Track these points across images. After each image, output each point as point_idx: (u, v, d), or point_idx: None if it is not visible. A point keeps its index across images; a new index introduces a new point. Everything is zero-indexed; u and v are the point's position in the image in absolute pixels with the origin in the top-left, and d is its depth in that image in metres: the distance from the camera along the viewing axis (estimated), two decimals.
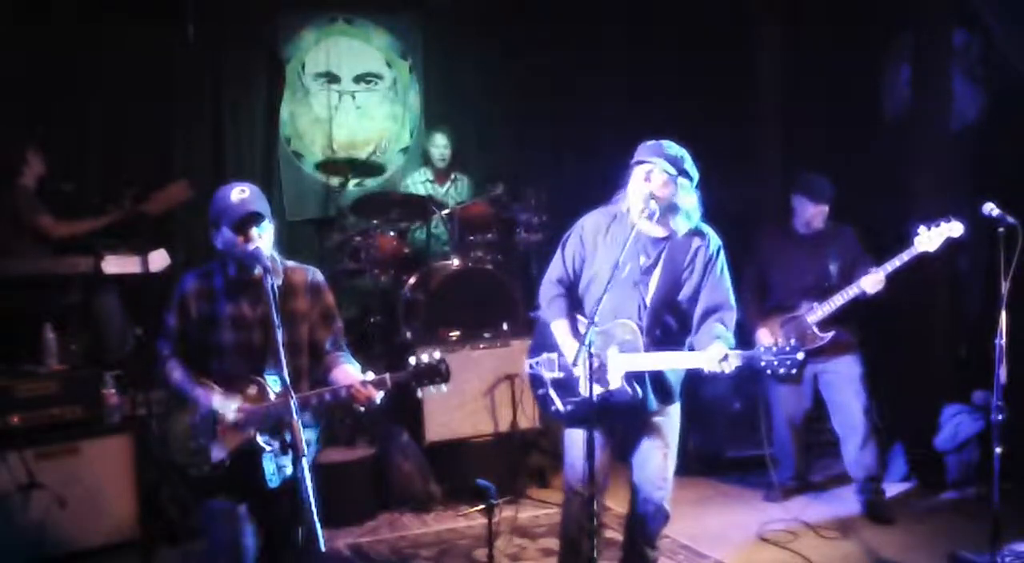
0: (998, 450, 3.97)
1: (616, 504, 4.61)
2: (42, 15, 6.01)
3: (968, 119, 6.05)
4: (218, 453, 3.31)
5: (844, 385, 5.18)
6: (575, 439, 3.74)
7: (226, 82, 6.70)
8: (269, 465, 3.30)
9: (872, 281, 4.79)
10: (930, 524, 5.09)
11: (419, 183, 6.92)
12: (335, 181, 6.98)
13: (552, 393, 3.75)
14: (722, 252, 3.70)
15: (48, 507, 4.48)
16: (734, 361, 3.41)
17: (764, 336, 5.08)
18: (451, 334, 5.65)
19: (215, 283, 3.40)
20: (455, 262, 5.93)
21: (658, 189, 3.56)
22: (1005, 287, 3.94)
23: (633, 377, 3.58)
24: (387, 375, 3.27)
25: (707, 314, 3.63)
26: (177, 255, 5.62)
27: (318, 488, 2.86)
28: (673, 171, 3.56)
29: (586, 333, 3.38)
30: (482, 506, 3.61)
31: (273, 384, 3.30)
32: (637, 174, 3.61)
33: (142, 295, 5.34)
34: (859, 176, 6.02)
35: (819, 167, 5.31)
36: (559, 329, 3.73)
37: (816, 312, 5.04)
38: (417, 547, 4.85)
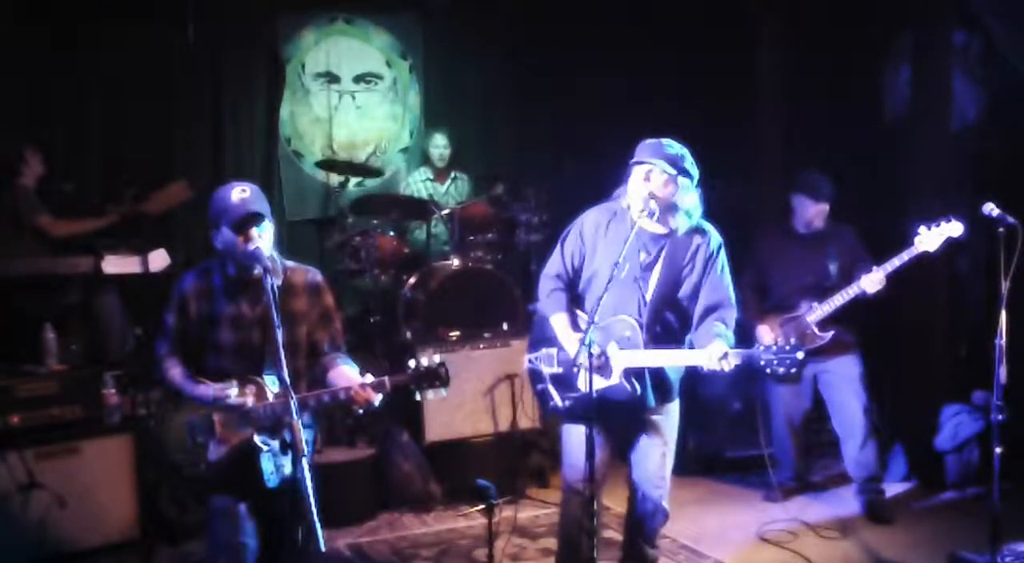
0: (998, 450, 3.96)
1: (615, 503, 4.61)
2: (42, 15, 6.00)
3: (968, 119, 6.04)
4: (215, 452, 3.31)
5: (844, 385, 5.18)
6: (574, 437, 3.74)
7: (226, 82, 6.69)
8: (267, 465, 3.30)
9: (872, 281, 4.79)
10: (930, 524, 5.09)
11: (419, 181, 6.93)
12: (335, 181, 6.99)
13: (551, 388, 3.75)
14: (723, 250, 3.71)
15: (48, 507, 4.48)
16: (733, 359, 3.41)
17: (764, 333, 5.08)
18: (451, 334, 5.65)
19: (214, 282, 3.40)
20: (455, 262, 5.93)
21: (658, 189, 3.56)
22: (1005, 287, 3.94)
23: (632, 374, 3.58)
24: (386, 378, 3.26)
25: (707, 312, 3.63)
26: (177, 255, 5.62)
27: (318, 488, 2.86)
28: (673, 171, 3.56)
29: (586, 330, 3.38)
30: (482, 506, 3.61)
31: (272, 384, 3.30)
32: (637, 173, 3.61)
33: (142, 295, 5.34)
34: (859, 176, 6.02)
35: (819, 167, 5.31)
36: (558, 323, 3.73)
37: (816, 312, 5.04)
38: (417, 547, 4.85)
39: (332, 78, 7.25)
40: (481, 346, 5.59)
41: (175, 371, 3.41)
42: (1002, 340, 3.95)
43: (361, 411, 3.31)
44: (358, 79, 7.35)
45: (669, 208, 3.59)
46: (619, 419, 3.71)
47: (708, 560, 4.68)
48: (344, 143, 7.30)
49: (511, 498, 5.31)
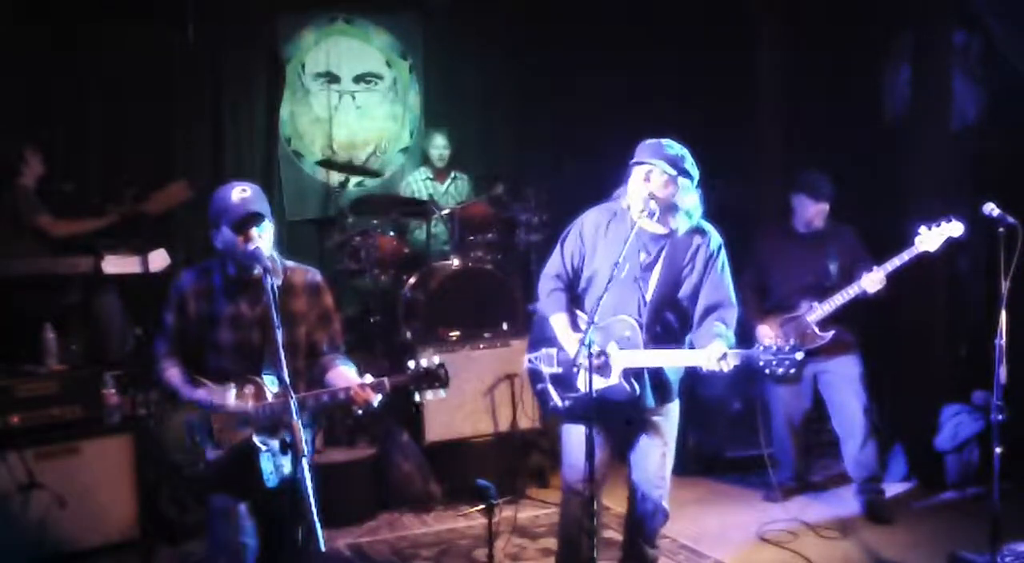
0: (998, 450, 3.96)
1: (615, 503, 4.61)
2: (42, 15, 6.00)
3: (968, 119, 6.04)
4: (213, 452, 3.31)
5: (844, 385, 5.18)
6: (574, 438, 3.74)
7: (226, 82, 6.69)
8: (267, 464, 3.30)
9: (872, 280, 4.79)
10: (930, 524, 5.09)
11: (419, 180, 6.93)
12: (335, 181, 6.99)
13: (550, 388, 3.75)
14: (723, 250, 3.70)
15: (48, 507, 4.48)
16: (732, 360, 3.41)
17: (765, 332, 5.08)
18: (451, 334, 5.65)
19: (214, 282, 3.40)
20: (455, 262, 5.93)
21: (658, 189, 3.56)
22: (1005, 287, 3.94)
23: (631, 374, 3.58)
24: (386, 379, 3.26)
25: (708, 312, 3.63)
26: (177, 255, 5.62)
27: (318, 488, 2.86)
28: (673, 172, 3.56)
29: (586, 330, 3.38)
30: (482, 506, 3.61)
31: (271, 384, 3.30)
32: (637, 174, 3.61)
33: (142, 295, 5.34)
34: (859, 176, 6.02)
35: (819, 167, 5.31)
36: (558, 323, 3.73)
37: (816, 311, 5.04)
38: (417, 547, 4.85)
39: (332, 78, 7.25)
40: (481, 346, 5.59)
41: (173, 372, 3.41)
42: (1002, 340, 3.95)
43: (360, 412, 3.31)
44: (358, 79, 7.34)
45: (669, 208, 3.59)
46: (618, 419, 3.71)
47: (708, 560, 4.68)
48: (344, 143, 7.30)
49: (511, 498, 5.31)
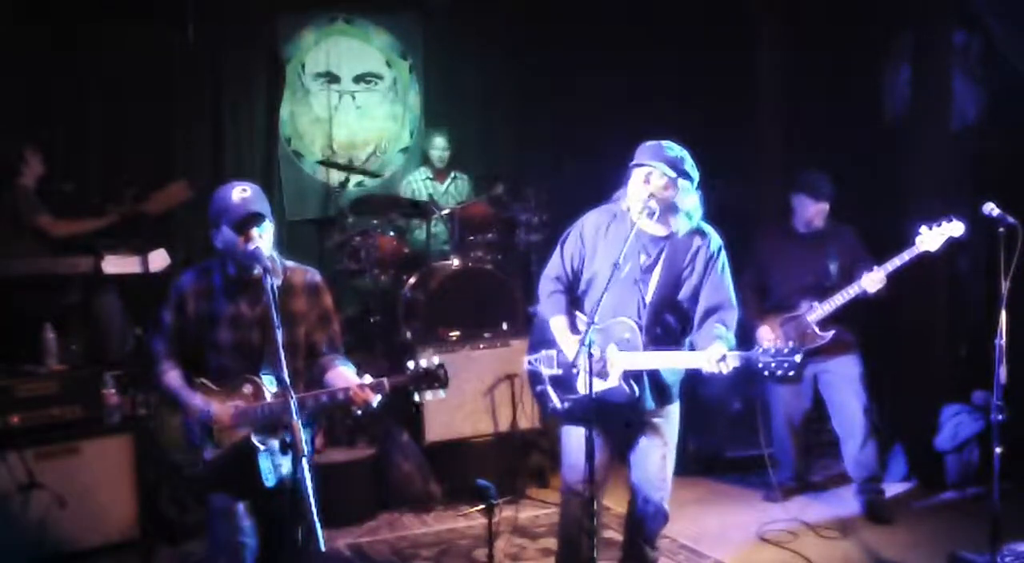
0: (998, 450, 3.96)
1: (615, 504, 4.61)
2: (42, 15, 6.00)
3: (968, 119, 6.04)
4: (211, 451, 3.31)
5: (844, 385, 5.18)
6: (573, 440, 3.74)
7: (226, 82, 6.69)
8: (265, 464, 3.30)
9: (873, 280, 4.79)
10: (930, 524, 5.09)
11: (419, 180, 6.93)
12: (335, 181, 6.99)
13: (550, 390, 3.75)
14: (723, 251, 3.70)
15: (48, 507, 4.48)
16: (732, 362, 3.40)
17: (765, 333, 5.08)
18: (451, 334, 5.65)
19: (214, 282, 3.40)
20: (455, 262, 5.93)
21: (658, 191, 3.56)
22: (1005, 287, 3.94)
23: (631, 376, 3.58)
24: (385, 379, 3.26)
25: (708, 313, 3.62)
26: (177, 255, 5.62)
27: (318, 488, 2.86)
28: (673, 173, 3.56)
29: (586, 332, 3.38)
30: (482, 506, 3.61)
31: (269, 384, 3.30)
32: (637, 176, 3.61)
33: (142, 295, 5.34)
34: (859, 176, 6.02)
35: (819, 167, 5.31)
36: (557, 325, 3.73)
37: (816, 311, 5.04)
38: (417, 547, 4.85)
39: (332, 78, 7.25)
40: (481, 346, 5.58)
41: (172, 374, 3.40)
42: (1002, 340, 3.95)
43: (360, 412, 3.31)
44: (358, 79, 7.35)
45: (669, 209, 3.59)
46: (618, 421, 3.71)
47: (708, 560, 4.68)
48: (344, 143, 7.30)
49: (511, 498, 5.32)
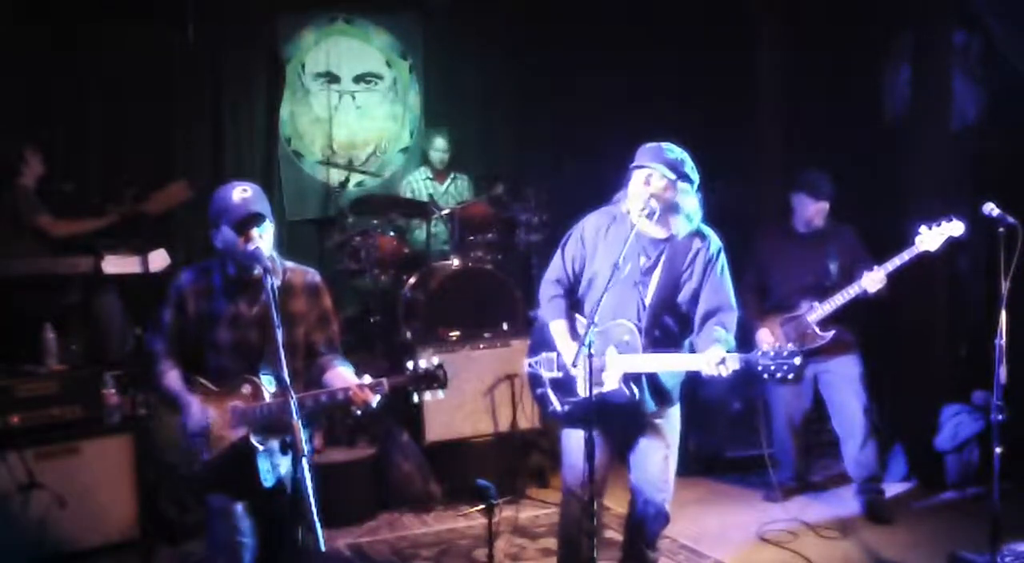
0: (998, 450, 3.96)
1: (616, 504, 4.62)
2: (42, 15, 6.00)
3: (968, 119, 6.04)
4: (209, 452, 3.31)
5: (844, 385, 5.18)
6: (573, 441, 3.74)
7: (226, 82, 6.68)
8: (263, 464, 3.30)
9: (873, 280, 4.79)
10: (930, 524, 5.09)
11: (419, 180, 6.93)
12: (335, 181, 6.99)
13: (550, 393, 3.76)
14: (722, 253, 3.69)
15: (48, 507, 4.48)
16: (732, 364, 3.39)
17: (765, 336, 5.08)
18: (451, 334, 5.65)
19: (214, 282, 3.40)
20: (455, 262, 5.93)
21: (658, 193, 3.56)
22: (1005, 287, 3.94)
23: (630, 378, 3.58)
24: (384, 380, 3.26)
25: (708, 316, 3.62)
26: (177, 255, 5.63)
27: (317, 488, 2.86)
28: (672, 175, 3.56)
29: (586, 333, 3.38)
30: (482, 506, 3.61)
31: (268, 384, 3.30)
32: (637, 177, 3.61)
33: (142, 295, 5.34)
34: (859, 176, 6.02)
35: (819, 167, 5.31)
36: (557, 329, 3.73)
37: (816, 311, 5.04)
38: (417, 547, 4.85)
39: (332, 78, 7.25)
40: (481, 346, 5.59)
41: (172, 375, 3.40)
42: (1002, 340, 3.95)
43: (359, 412, 3.31)
44: (358, 79, 7.34)
45: (669, 209, 3.59)
46: (619, 423, 3.70)
47: (708, 560, 4.68)
48: (344, 143, 7.30)
49: (511, 498, 5.32)
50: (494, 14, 7.40)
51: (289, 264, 3.49)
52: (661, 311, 3.64)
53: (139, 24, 6.23)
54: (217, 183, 3.50)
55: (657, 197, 3.55)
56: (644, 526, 3.84)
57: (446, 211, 6.27)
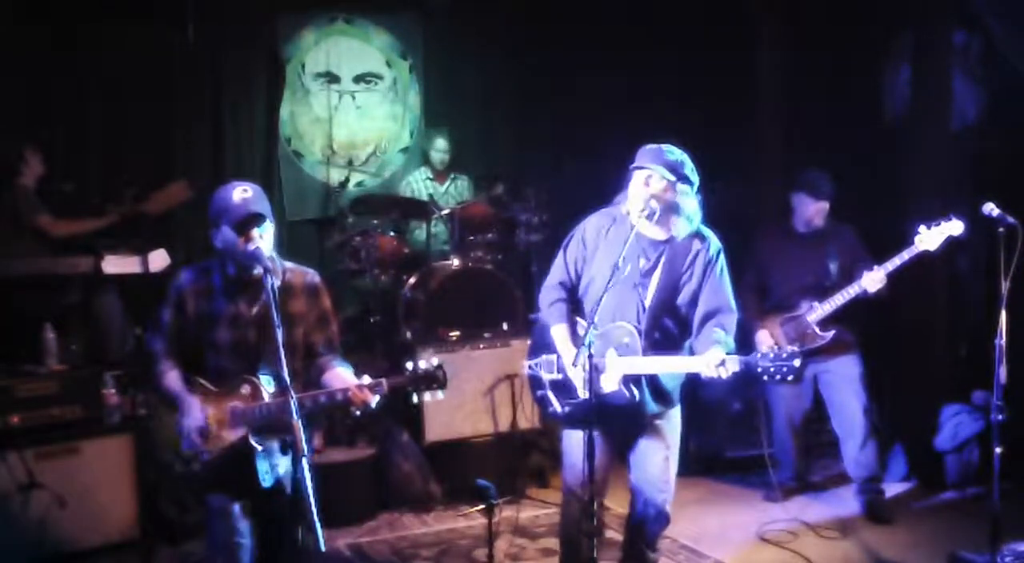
0: (998, 450, 3.96)
1: (616, 504, 4.61)
2: (42, 15, 6.00)
3: (968, 119, 6.04)
4: (208, 452, 3.31)
5: (844, 385, 5.18)
6: (574, 441, 3.74)
7: (226, 82, 6.68)
8: (262, 465, 3.30)
9: (873, 279, 4.79)
10: (930, 524, 5.09)
11: (419, 180, 6.93)
12: (335, 181, 6.99)
13: (550, 394, 3.75)
14: (722, 255, 3.69)
15: (48, 507, 4.48)
16: (731, 366, 3.39)
17: (764, 338, 5.08)
18: (451, 334, 5.65)
19: (214, 282, 3.40)
20: (455, 262, 5.93)
21: (657, 194, 3.56)
22: (1005, 287, 3.94)
23: (630, 380, 3.58)
24: (384, 380, 3.26)
25: (707, 317, 3.61)
26: (177, 255, 5.62)
27: (317, 488, 2.86)
28: (672, 177, 3.56)
29: (585, 334, 3.38)
30: (482, 506, 3.61)
31: (267, 384, 3.30)
32: (637, 179, 3.61)
33: (142, 295, 5.33)
34: (859, 176, 6.02)
35: (819, 167, 5.31)
36: (558, 334, 3.73)
37: (816, 311, 5.03)
38: (417, 547, 4.85)
39: (332, 78, 7.24)
40: (481, 346, 5.59)
41: (171, 375, 3.40)
42: (1002, 340, 3.95)
43: (359, 413, 3.31)
44: (358, 79, 7.34)
45: (669, 210, 3.59)
46: (619, 424, 3.70)
47: (708, 560, 4.68)
48: (344, 143, 7.30)
49: (511, 498, 5.31)
50: (494, 14, 7.40)
51: (289, 264, 3.49)
52: (661, 313, 3.63)
53: (139, 24, 6.23)
54: (217, 183, 3.50)
55: (657, 198, 3.54)
56: (644, 527, 3.84)
57: (446, 211, 6.27)
